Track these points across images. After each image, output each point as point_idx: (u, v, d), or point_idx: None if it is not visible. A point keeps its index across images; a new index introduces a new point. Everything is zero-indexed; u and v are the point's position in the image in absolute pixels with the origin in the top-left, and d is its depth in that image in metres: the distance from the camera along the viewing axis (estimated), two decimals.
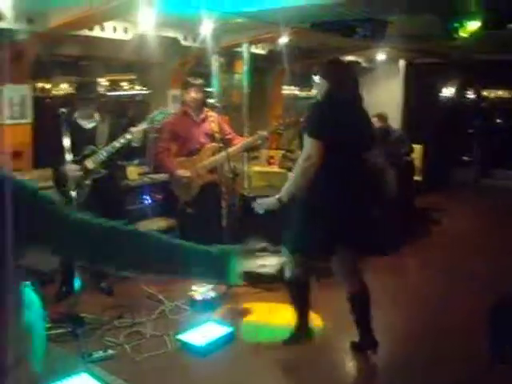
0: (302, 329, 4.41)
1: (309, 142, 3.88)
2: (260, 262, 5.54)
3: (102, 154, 4.94)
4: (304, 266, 4.21)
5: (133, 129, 4.94)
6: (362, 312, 4.14)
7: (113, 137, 4.99)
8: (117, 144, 4.91)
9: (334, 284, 4.33)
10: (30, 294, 3.63)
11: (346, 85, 4.03)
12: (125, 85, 8.59)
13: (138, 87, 8.70)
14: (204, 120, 5.64)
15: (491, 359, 3.49)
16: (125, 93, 9.14)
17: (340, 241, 3.96)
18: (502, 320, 3.53)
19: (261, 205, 4.07)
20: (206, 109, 5.60)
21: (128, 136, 4.91)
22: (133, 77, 8.55)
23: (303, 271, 4.22)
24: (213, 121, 5.53)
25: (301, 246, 4.07)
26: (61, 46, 5.85)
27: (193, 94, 5.59)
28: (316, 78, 4.06)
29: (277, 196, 3.96)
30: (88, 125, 5.07)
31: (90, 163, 4.93)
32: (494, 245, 7.11)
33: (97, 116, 5.10)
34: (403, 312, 5.07)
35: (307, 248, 4.04)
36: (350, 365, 4.31)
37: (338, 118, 3.89)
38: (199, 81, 5.64)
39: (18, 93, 5.43)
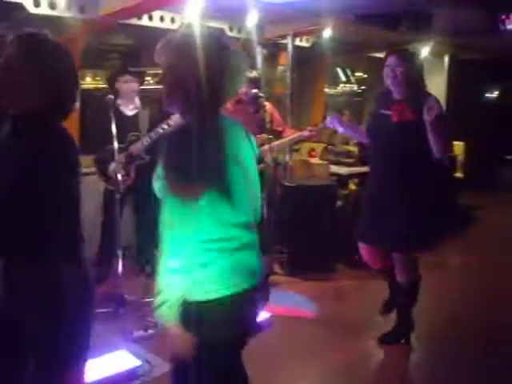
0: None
1: None
2: None
3: (146, 139, 5.01)
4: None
5: (174, 116, 4.99)
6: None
7: (154, 124, 5.05)
8: (160, 130, 4.93)
9: None
10: None
11: None
12: (149, 79, 8.62)
13: None
14: (257, 110, 5.72)
15: None
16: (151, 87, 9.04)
17: None
18: None
19: None
20: (261, 99, 5.65)
21: (170, 122, 4.88)
22: (160, 71, 8.61)
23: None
24: (266, 111, 5.59)
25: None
26: (111, 35, 5.98)
27: (246, 87, 5.68)
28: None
29: None
30: (129, 112, 5.18)
31: (134, 149, 5.05)
32: None
33: (138, 103, 5.21)
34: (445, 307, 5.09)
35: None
36: None
37: None
38: (253, 74, 5.71)
39: None
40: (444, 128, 3.79)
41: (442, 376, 3.89)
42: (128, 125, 5.10)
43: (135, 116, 5.18)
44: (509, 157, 11.82)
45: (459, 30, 7.03)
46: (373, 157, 4.30)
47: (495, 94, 12.99)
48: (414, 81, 3.99)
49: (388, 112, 4.01)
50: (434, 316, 4.74)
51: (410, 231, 3.97)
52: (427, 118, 3.70)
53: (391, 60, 4.03)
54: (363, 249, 4.33)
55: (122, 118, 5.05)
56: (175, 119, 4.93)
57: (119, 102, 5.14)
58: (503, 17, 5.23)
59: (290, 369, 3.85)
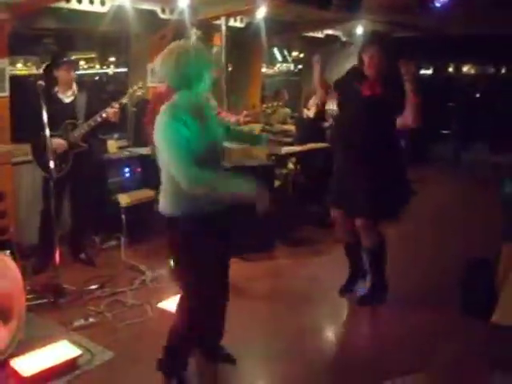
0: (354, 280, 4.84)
1: None
2: None
3: (84, 127, 5.05)
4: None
5: (114, 103, 5.01)
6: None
7: (91, 111, 5.10)
8: (98, 118, 5.00)
9: None
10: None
11: None
12: (82, 64, 8.46)
13: (98, 66, 8.64)
14: None
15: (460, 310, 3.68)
16: (83, 72, 8.86)
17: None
18: (468, 280, 3.70)
19: None
20: None
21: (109, 110, 4.97)
22: (93, 55, 8.48)
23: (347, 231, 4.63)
24: None
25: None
26: (38, 19, 5.81)
27: None
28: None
29: None
30: (67, 99, 5.13)
31: (72, 137, 5.02)
32: (467, 214, 7.45)
33: (76, 90, 5.16)
34: None
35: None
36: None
37: None
38: None
39: None
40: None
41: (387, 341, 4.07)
42: (65, 112, 5.08)
43: (72, 103, 5.14)
44: (444, 131, 12.10)
45: (390, 8, 7.14)
46: (341, 129, 4.63)
47: (430, 70, 13.29)
48: (386, 64, 4.30)
49: (359, 86, 4.31)
50: None
51: (375, 199, 4.27)
52: (407, 76, 4.14)
53: (372, 50, 4.30)
54: (334, 214, 4.64)
55: (59, 105, 5.06)
56: (114, 107, 4.94)
57: (57, 89, 5.11)
58: None
59: (239, 343, 3.90)
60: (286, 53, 10.83)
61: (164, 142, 3.01)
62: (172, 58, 3.04)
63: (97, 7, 5.74)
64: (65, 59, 5.08)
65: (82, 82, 5.39)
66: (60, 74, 5.05)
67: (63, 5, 5.49)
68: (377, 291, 4.65)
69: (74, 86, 5.18)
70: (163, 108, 3.11)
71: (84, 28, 6.34)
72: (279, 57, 10.34)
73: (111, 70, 8.63)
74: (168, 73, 3.07)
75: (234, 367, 3.69)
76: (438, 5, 5.44)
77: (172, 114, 3.04)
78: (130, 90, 5.13)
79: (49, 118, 4.41)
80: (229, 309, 3.60)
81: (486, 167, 10.24)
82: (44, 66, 5.50)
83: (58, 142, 4.96)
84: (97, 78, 8.59)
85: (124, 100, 5.07)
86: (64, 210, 5.30)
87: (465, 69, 13.53)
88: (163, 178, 3.16)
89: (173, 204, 3.15)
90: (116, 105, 5.00)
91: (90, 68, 8.57)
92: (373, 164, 4.29)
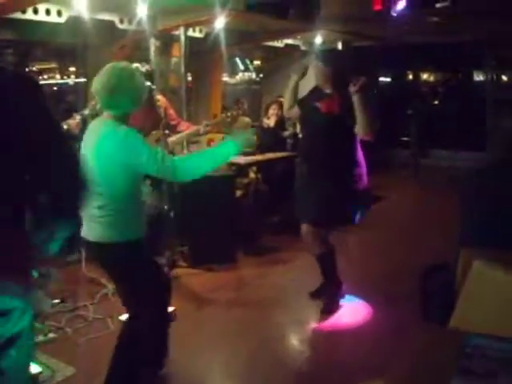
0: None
1: None
2: None
3: None
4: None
5: (75, 115, 4.94)
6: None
7: None
8: None
9: None
10: None
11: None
12: (42, 74, 8.40)
13: (58, 76, 8.58)
14: (152, 105, 5.56)
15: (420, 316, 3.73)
16: (43, 82, 8.81)
17: None
18: (428, 286, 3.74)
19: None
20: (154, 93, 5.51)
21: (71, 121, 4.89)
22: (54, 65, 8.41)
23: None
24: (160, 106, 5.44)
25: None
26: None
27: None
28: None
29: None
30: None
31: None
32: (427, 219, 7.60)
33: None
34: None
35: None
36: None
37: None
38: (145, 67, 5.58)
39: None
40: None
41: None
42: None
43: None
44: (404, 138, 12.26)
45: (348, 18, 7.23)
46: (303, 144, 4.90)
47: (389, 78, 13.47)
48: (338, 78, 4.43)
49: (317, 104, 4.46)
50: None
51: (324, 207, 4.40)
52: (353, 88, 4.19)
53: (317, 62, 4.48)
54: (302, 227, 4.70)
55: None
56: (75, 119, 4.90)
57: None
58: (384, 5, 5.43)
59: (205, 353, 3.90)
60: (248, 62, 10.86)
61: (130, 147, 3.00)
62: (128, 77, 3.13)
63: (53, 18, 5.67)
64: (27, 69, 5.02)
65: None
66: None
67: (19, 16, 5.42)
68: (334, 296, 4.75)
69: None
70: (104, 122, 3.14)
71: (42, 38, 6.27)
72: (241, 66, 10.37)
73: (71, 81, 8.54)
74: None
75: (197, 377, 3.68)
76: (394, 14, 5.53)
77: (125, 126, 3.11)
78: (93, 102, 5.05)
79: None
80: (192, 319, 3.58)
81: (445, 173, 10.39)
82: None
83: None
84: (56, 88, 8.50)
85: (86, 111, 4.99)
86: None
87: (424, 76, 13.73)
88: (102, 200, 3.06)
89: (117, 229, 3.11)
90: (78, 116, 4.92)
91: (50, 78, 8.48)
92: (327, 174, 4.44)
